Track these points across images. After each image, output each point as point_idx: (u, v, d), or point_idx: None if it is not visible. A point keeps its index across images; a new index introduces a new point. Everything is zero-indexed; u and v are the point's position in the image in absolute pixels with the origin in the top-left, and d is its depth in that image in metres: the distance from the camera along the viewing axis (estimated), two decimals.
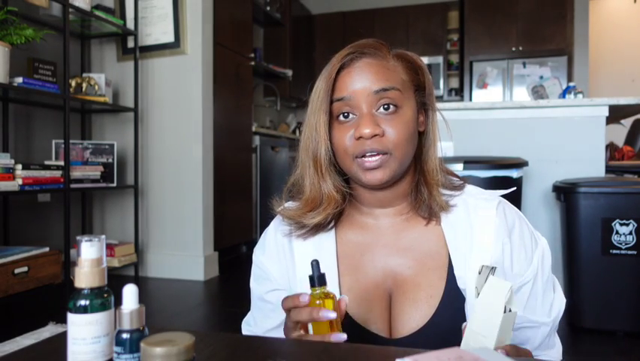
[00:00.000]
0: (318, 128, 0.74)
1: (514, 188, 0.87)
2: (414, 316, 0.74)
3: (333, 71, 0.74)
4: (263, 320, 0.84)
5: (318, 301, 0.63)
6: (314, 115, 0.75)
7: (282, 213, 0.82)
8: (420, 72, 0.78)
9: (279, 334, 0.79)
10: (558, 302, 0.78)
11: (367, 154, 0.72)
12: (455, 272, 0.75)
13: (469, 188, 0.82)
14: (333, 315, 0.61)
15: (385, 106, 0.72)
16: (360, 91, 0.72)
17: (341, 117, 0.74)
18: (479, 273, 0.60)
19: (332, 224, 0.81)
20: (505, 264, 0.75)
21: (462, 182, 0.83)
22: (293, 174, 0.82)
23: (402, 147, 0.73)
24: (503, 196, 0.81)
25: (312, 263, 0.64)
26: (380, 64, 0.74)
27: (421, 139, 0.80)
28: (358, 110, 0.73)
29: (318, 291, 0.64)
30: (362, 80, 0.73)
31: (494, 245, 0.75)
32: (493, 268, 0.59)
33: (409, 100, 0.75)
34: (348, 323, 0.75)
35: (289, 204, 0.84)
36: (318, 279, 0.64)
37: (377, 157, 0.72)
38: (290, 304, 0.64)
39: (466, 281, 0.74)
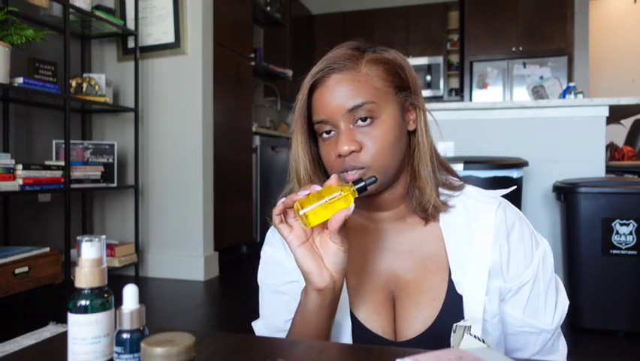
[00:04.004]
0: (297, 148, 0.78)
1: (515, 187, 0.87)
2: (418, 318, 0.74)
3: (305, 91, 0.75)
4: (278, 312, 0.82)
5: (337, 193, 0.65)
6: (294, 134, 0.78)
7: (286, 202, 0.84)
8: (401, 71, 0.76)
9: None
10: (561, 306, 0.77)
11: (348, 170, 0.73)
12: (453, 277, 0.74)
13: (469, 189, 0.81)
14: (317, 187, 0.64)
15: (362, 120, 0.72)
16: (334, 110, 0.73)
17: (324, 135, 0.76)
18: (454, 332, 0.61)
19: None
20: (502, 265, 0.74)
21: (461, 182, 0.82)
22: (288, 182, 0.82)
23: (381, 159, 0.73)
24: (504, 196, 0.81)
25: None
26: (350, 78, 0.73)
27: (413, 138, 0.79)
28: (337, 127, 0.74)
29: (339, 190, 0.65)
30: (334, 99, 0.73)
31: (492, 249, 0.74)
32: (467, 326, 0.59)
33: (387, 106, 0.74)
34: (354, 325, 0.75)
35: None
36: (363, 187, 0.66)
37: (356, 172, 0.73)
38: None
39: (464, 287, 0.73)
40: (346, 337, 0.75)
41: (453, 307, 0.73)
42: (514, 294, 0.75)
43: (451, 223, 0.77)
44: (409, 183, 0.79)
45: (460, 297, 0.73)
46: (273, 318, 0.82)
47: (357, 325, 0.75)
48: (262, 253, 0.87)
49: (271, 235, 0.87)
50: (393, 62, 0.76)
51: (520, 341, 0.76)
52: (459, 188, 0.80)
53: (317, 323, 0.69)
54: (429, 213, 0.77)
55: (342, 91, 0.72)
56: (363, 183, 0.67)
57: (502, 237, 0.75)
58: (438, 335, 0.73)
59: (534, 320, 0.74)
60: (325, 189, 0.65)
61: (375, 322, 0.76)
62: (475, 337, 0.60)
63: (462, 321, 0.62)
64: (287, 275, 0.82)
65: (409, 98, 0.77)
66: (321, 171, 0.80)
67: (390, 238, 0.80)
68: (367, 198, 0.78)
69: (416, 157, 0.78)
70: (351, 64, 0.74)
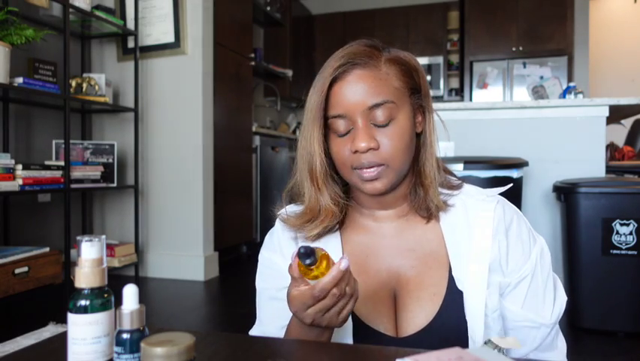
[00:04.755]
0: (312, 142, 0.75)
1: (511, 184, 0.88)
2: (419, 314, 0.75)
3: (325, 84, 0.73)
4: (274, 319, 0.82)
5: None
6: (308, 128, 0.76)
7: (284, 221, 0.82)
8: (415, 74, 0.78)
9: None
10: (560, 301, 0.78)
11: (365, 167, 0.73)
12: (453, 273, 0.75)
13: (467, 188, 0.82)
14: (328, 278, 0.60)
15: (380, 119, 0.73)
16: (354, 106, 0.72)
17: (338, 131, 0.75)
18: (485, 343, 0.60)
19: (337, 227, 0.82)
20: (501, 260, 0.76)
21: (460, 181, 0.83)
22: (292, 177, 0.82)
23: (398, 157, 0.74)
24: (503, 194, 0.82)
25: (299, 250, 0.61)
26: (372, 75, 0.73)
27: (418, 140, 0.80)
28: (354, 124, 0.73)
29: (313, 272, 0.62)
30: (355, 95, 0.72)
31: (492, 245, 0.76)
32: (501, 348, 0.59)
33: (403, 107, 0.75)
34: (355, 323, 0.76)
35: (291, 208, 0.84)
36: (310, 263, 0.62)
37: (374, 168, 0.73)
38: (305, 303, 0.63)
39: (463, 284, 0.74)
40: (347, 335, 0.75)
41: (453, 302, 0.74)
42: (513, 288, 0.76)
43: (451, 221, 0.79)
44: (413, 183, 0.80)
45: (461, 293, 0.74)
46: (268, 325, 0.83)
47: (358, 323, 0.76)
48: (259, 257, 0.87)
49: (269, 238, 0.87)
50: (409, 64, 0.77)
51: (519, 335, 0.77)
52: (458, 187, 0.82)
53: (321, 336, 0.70)
54: (432, 212, 0.79)
55: (363, 87, 0.72)
56: (303, 253, 0.62)
57: (501, 232, 0.76)
58: (438, 331, 0.73)
59: (533, 315, 0.75)
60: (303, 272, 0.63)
61: (376, 319, 0.76)
62: (504, 353, 0.59)
63: (497, 338, 0.62)
64: (283, 279, 0.82)
65: (420, 101, 0.78)
66: (331, 166, 0.80)
67: (391, 236, 0.81)
68: (370, 198, 0.79)
69: (422, 158, 0.79)
70: (372, 61, 0.73)
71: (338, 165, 0.77)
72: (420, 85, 0.78)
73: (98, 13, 2.72)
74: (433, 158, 0.79)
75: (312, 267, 0.61)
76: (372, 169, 0.73)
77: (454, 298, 0.74)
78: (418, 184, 0.79)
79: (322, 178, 0.77)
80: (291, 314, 0.78)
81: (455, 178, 0.84)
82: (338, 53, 0.75)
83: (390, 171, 0.74)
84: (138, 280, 2.99)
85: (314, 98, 0.75)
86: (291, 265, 0.64)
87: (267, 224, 4.19)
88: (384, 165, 0.73)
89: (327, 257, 0.63)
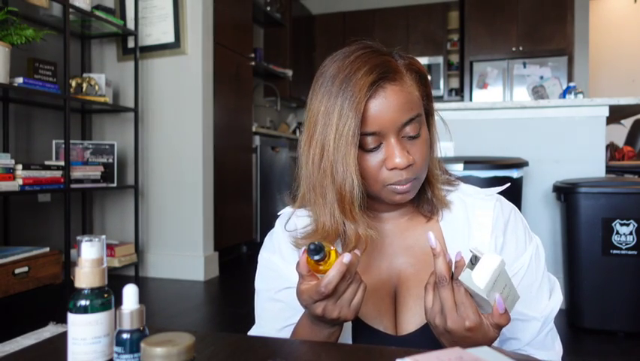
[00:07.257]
0: (349, 161, 0.70)
1: (509, 183, 0.89)
2: (418, 312, 0.75)
3: (361, 103, 0.69)
4: (272, 320, 0.82)
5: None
6: (341, 146, 0.70)
7: (296, 245, 0.79)
8: (424, 80, 0.78)
9: (289, 333, 0.79)
10: (553, 301, 0.78)
11: (402, 183, 0.72)
12: (452, 270, 0.75)
13: (465, 187, 0.83)
14: (333, 272, 0.62)
15: (411, 133, 0.72)
16: (389, 123, 0.71)
17: (367, 147, 0.72)
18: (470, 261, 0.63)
19: None
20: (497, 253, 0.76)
21: (455, 177, 0.85)
22: (299, 188, 0.79)
23: (425, 167, 0.75)
24: (503, 194, 0.82)
25: (308, 247, 0.62)
26: (403, 90, 0.72)
27: None
28: (385, 139, 0.72)
29: (322, 267, 0.64)
30: (390, 112, 0.70)
31: (489, 243, 0.76)
32: (477, 256, 0.62)
33: (423, 117, 0.76)
34: (354, 322, 0.76)
35: (294, 214, 0.83)
36: (319, 259, 0.62)
37: (410, 183, 0.73)
38: (313, 297, 0.64)
39: (461, 282, 0.74)
40: (346, 334, 0.76)
41: None
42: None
43: (451, 220, 0.80)
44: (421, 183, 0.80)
45: None
46: (266, 327, 0.83)
47: (357, 322, 0.76)
48: (259, 258, 0.87)
49: (268, 239, 0.87)
50: (421, 72, 0.77)
51: (510, 330, 0.77)
52: (454, 183, 0.84)
53: (331, 337, 0.70)
54: (435, 209, 0.80)
55: (397, 104, 0.71)
56: (313, 250, 0.63)
57: (499, 229, 0.77)
58: None
59: (522, 308, 0.76)
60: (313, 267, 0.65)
61: (376, 318, 0.77)
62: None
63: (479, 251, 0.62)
64: (282, 281, 0.82)
65: (427, 106, 0.79)
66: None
67: (393, 235, 0.82)
68: (376, 200, 0.79)
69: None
70: (398, 74, 0.72)
71: (368, 181, 0.74)
72: (429, 91, 0.79)
73: (98, 13, 2.72)
74: (435, 157, 0.81)
75: (321, 262, 0.63)
76: (408, 184, 0.73)
77: None
78: (425, 183, 0.80)
79: (357, 206, 0.72)
80: (291, 316, 0.78)
81: (450, 176, 0.85)
82: (357, 64, 0.71)
83: (419, 181, 0.75)
84: (138, 280, 3.00)
85: (348, 114, 0.69)
86: (299, 263, 0.65)
87: (267, 224, 4.20)
88: (416, 179, 0.74)
89: (335, 252, 0.64)
